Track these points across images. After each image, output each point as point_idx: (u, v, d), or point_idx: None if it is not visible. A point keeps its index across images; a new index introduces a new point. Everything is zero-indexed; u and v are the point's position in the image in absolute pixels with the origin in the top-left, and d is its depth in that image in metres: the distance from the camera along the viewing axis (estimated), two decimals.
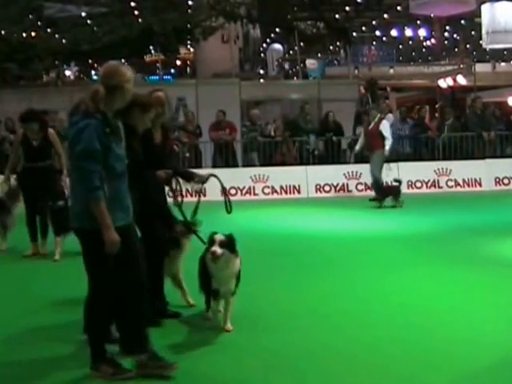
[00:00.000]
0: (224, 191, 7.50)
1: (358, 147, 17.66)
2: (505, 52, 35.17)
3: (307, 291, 8.08)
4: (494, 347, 5.84)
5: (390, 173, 17.42)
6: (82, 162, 5.02)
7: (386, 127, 16.81)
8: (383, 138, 16.60)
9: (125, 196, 5.32)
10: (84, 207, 5.08)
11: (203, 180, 7.30)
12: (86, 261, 5.29)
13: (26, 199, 10.96)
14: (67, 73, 34.83)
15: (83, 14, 25.91)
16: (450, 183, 19.33)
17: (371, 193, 17.75)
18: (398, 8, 28.85)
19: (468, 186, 19.22)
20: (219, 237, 6.46)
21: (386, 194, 16.44)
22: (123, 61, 34.77)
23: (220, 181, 7.50)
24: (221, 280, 6.40)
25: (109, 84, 5.17)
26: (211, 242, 6.43)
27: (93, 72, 37.19)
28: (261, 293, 8.03)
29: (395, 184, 16.62)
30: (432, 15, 27.01)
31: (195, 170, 8.00)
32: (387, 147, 16.60)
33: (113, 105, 5.22)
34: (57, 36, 27.31)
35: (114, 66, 5.31)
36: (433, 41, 35.22)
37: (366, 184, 18.79)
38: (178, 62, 34.98)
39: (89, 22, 26.53)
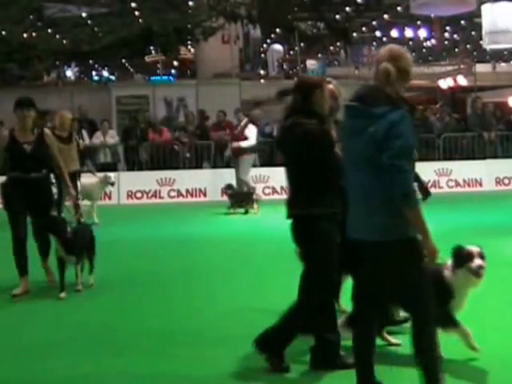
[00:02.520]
0: None
1: (227, 153, 17.42)
2: (505, 52, 35.15)
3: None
4: (495, 347, 5.84)
5: None
6: (399, 161, 4.23)
7: (252, 131, 16.46)
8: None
9: None
10: (391, 215, 4.33)
11: None
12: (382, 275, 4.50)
13: (14, 220, 8.32)
14: (68, 73, 34.88)
15: (83, 15, 25.93)
16: (451, 183, 19.34)
17: None
18: (398, 8, 28.81)
19: (468, 186, 19.25)
20: (476, 248, 5.53)
21: (239, 200, 15.98)
22: (123, 61, 35.04)
23: None
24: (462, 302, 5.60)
25: (400, 66, 4.50)
26: (468, 255, 5.48)
27: (93, 72, 37.30)
28: (265, 296, 8.03)
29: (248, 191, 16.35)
30: (432, 15, 27.00)
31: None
32: (244, 144, 16.39)
33: (398, 90, 4.51)
34: (57, 36, 27.36)
35: (399, 48, 4.66)
36: (433, 41, 35.18)
37: None
38: (179, 63, 34.96)
39: (89, 22, 26.56)
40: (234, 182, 16.69)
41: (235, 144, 16.63)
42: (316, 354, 5.49)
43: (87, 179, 14.79)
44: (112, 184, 15.49)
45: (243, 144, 16.37)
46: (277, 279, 8.66)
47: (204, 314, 7.30)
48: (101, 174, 15.42)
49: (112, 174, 15.39)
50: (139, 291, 8.43)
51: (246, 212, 15.73)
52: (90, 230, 8.75)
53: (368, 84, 4.73)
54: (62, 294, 7.98)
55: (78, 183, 13.55)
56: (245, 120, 16.71)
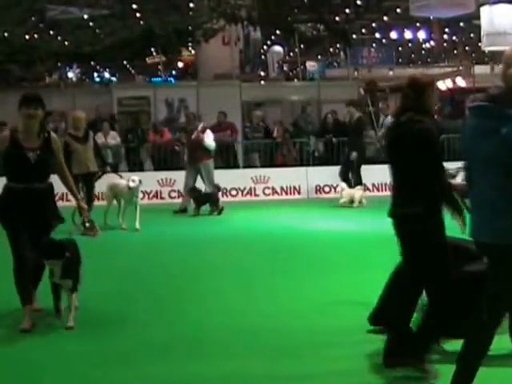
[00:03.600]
0: None
1: (185, 158, 16.88)
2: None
3: (309, 291, 8.22)
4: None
5: None
6: None
7: (210, 137, 16.05)
8: (206, 149, 15.88)
9: None
10: None
11: None
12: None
13: (15, 236, 7.01)
14: (69, 74, 34.94)
15: (85, 16, 26.01)
16: None
17: (371, 193, 17.95)
18: (398, 10, 28.95)
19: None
20: None
21: (202, 202, 15.78)
22: (125, 63, 35.13)
23: None
24: None
25: None
26: None
27: (95, 74, 37.37)
28: (263, 293, 8.16)
29: (210, 192, 16.10)
30: (431, 17, 27.12)
31: None
32: (207, 141, 15.92)
33: None
34: (59, 38, 27.43)
35: None
36: (432, 43, 35.32)
37: (365, 185, 18.98)
38: (180, 64, 35.07)
39: (91, 24, 26.65)
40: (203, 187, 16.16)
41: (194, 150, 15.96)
42: (393, 350, 5.49)
43: (118, 180, 14.16)
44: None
45: (209, 146, 15.93)
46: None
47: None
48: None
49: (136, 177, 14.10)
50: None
51: (212, 213, 15.65)
52: (77, 246, 7.56)
53: (499, 85, 4.67)
54: (70, 323, 6.89)
55: (95, 185, 13.54)
56: (201, 125, 16.34)
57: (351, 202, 16.68)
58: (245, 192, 18.84)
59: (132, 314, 7.43)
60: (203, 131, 16.06)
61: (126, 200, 13.73)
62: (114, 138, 20.13)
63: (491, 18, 22.73)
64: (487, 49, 25.33)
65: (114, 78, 37.53)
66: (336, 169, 19.48)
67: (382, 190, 19.12)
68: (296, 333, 6.53)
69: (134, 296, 8.19)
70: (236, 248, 11.52)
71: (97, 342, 6.48)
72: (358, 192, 16.81)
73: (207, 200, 15.79)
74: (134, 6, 25.99)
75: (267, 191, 18.98)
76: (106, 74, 38.12)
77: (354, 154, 17.33)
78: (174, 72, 36.13)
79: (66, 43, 27.02)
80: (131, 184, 13.40)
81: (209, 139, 15.96)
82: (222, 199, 17.54)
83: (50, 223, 7.23)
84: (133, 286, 8.69)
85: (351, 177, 17.63)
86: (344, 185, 17.05)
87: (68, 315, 6.90)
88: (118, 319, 7.25)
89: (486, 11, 22.97)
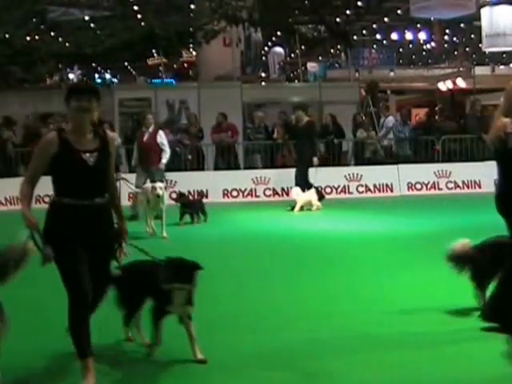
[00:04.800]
0: None
1: (133, 162, 15.90)
2: (504, 55, 35.30)
3: (307, 292, 8.22)
4: (491, 348, 5.98)
5: None
6: None
7: (163, 138, 15.09)
8: (162, 151, 14.95)
9: None
10: None
11: None
12: None
13: (73, 270, 5.22)
14: (70, 76, 34.99)
15: (86, 18, 26.10)
16: (450, 185, 19.49)
17: (372, 194, 18.00)
18: (399, 11, 29.01)
19: (468, 187, 19.37)
20: None
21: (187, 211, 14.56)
22: (126, 64, 35.20)
23: None
24: None
25: None
26: None
27: (96, 75, 37.41)
28: (260, 294, 8.17)
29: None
30: (432, 18, 27.17)
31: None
32: (164, 160, 14.91)
33: None
34: (60, 39, 27.52)
35: None
36: (433, 44, 35.36)
37: (366, 185, 19.03)
38: (181, 65, 35.14)
39: (92, 25, 26.73)
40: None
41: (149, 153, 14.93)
42: None
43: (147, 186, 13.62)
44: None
45: (165, 155, 14.93)
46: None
47: None
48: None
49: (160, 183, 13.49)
50: None
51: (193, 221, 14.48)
52: None
53: None
54: (200, 356, 5.79)
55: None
56: (152, 127, 15.25)
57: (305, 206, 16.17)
58: (245, 193, 18.85)
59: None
60: (156, 132, 15.07)
61: (151, 207, 13.12)
62: (114, 140, 20.11)
63: (492, 19, 22.81)
64: (488, 50, 25.43)
65: (115, 80, 37.60)
66: (338, 170, 19.56)
67: (383, 191, 19.18)
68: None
69: None
70: (236, 249, 11.54)
71: None
72: (313, 195, 16.36)
73: (192, 208, 14.63)
74: (135, 8, 26.05)
75: (268, 192, 19.00)
76: (107, 76, 38.18)
77: (316, 160, 16.97)
78: (174, 73, 36.15)
79: (67, 44, 27.11)
80: (159, 191, 12.79)
81: (163, 141, 15.00)
82: (223, 200, 17.63)
83: (112, 247, 5.59)
84: None
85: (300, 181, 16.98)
86: (298, 190, 16.39)
87: (193, 346, 5.76)
88: None
89: (486, 12, 23.05)
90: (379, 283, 8.50)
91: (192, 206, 14.67)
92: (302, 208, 16.22)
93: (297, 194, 16.27)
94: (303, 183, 16.66)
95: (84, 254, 5.26)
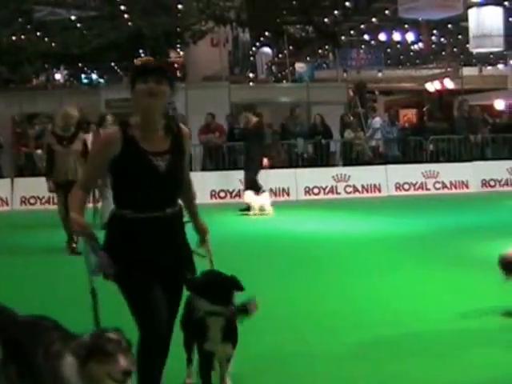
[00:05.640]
0: None
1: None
2: (491, 56, 35.44)
3: (299, 293, 8.16)
4: (480, 346, 5.98)
5: None
6: None
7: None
8: None
9: None
10: None
11: None
12: None
13: (147, 301, 4.16)
14: (57, 76, 34.87)
15: (73, 18, 25.95)
16: (438, 185, 19.51)
17: (360, 195, 17.99)
18: (386, 12, 29.05)
19: (455, 188, 19.39)
20: None
21: None
22: (113, 64, 35.09)
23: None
24: None
25: None
26: None
27: (83, 75, 37.28)
28: (248, 295, 8.12)
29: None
30: (420, 19, 27.22)
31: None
32: None
33: None
34: (46, 39, 27.40)
35: None
36: (420, 44, 35.43)
37: (354, 186, 19.02)
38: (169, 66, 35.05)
39: (78, 25, 26.59)
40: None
41: None
42: None
43: None
44: None
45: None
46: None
47: None
48: None
49: None
50: None
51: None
52: None
53: None
54: None
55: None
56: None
57: (260, 209, 15.58)
58: (233, 194, 18.76)
59: None
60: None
61: None
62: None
63: (479, 19, 22.91)
64: (475, 50, 25.51)
65: (101, 80, 37.49)
66: (326, 170, 19.53)
67: (371, 192, 19.16)
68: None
69: None
70: (224, 251, 11.46)
71: None
72: (266, 200, 15.73)
73: None
74: (122, 8, 25.94)
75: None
76: (94, 76, 38.07)
77: (266, 161, 16.66)
78: None
79: (54, 44, 27.01)
80: None
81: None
82: (210, 201, 17.55)
83: (188, 264, 4.45)
84: None
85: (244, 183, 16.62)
86: (251, 193, 15.79)
87: None
88: None
89: (473, 13, 23.14)
90: (369, 283, 8.46)
91: None
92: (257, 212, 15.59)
93: (250, 197, 15.69)
94: (254, 186, 16.11)
95: (157, 276, 4.20)
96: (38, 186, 15.51)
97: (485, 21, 22.84)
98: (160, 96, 4.16)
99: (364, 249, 11.10)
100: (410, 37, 32.82)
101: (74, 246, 10.56)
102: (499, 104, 30.90)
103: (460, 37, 32.17)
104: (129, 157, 4.16)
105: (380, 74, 34.41)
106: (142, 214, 4.17)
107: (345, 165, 20.46)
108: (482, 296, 7.64)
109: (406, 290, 8.19)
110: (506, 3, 25.15)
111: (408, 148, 21.23)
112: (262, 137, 16.90)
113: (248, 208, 15.72)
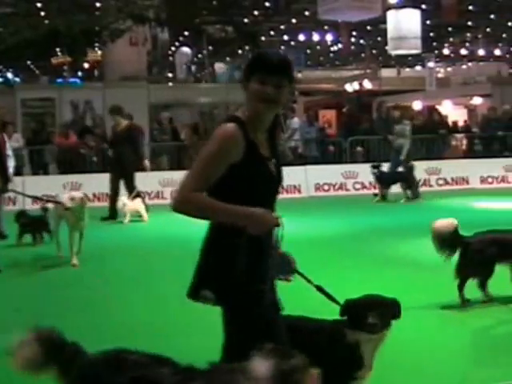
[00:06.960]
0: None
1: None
2: (409, 58, 36.03)
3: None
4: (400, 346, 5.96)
5: None
6: None
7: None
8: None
9: None
10: None
11: None
12: None
13: (271, 334, 3.57)
14: None
15: None
16: (357, 186, 19.66)
17: (280, 195, 17.92)
18: (306, 13, 29.18)
19: (375, 188, 19.56)
20: None
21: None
22: (29, 63, 34.34)
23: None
24: None
25: None
26: None
27: None
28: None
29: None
30: (339, 20, 27.42)
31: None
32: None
33: None
34: None
35: None
36: (340, 46, 35.78)
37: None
38: (86, 65, 34.46)
39: None
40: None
41: None
42: None
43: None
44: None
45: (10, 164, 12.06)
46: None
47: None
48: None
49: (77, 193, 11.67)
50: None
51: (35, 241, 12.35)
52: None
53: None
54: None
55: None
56: None
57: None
58: (152, 195, 18.52)
59: None
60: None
61: (70, 225, 10.41)
62: (17, 141, 19.50)
63: (397, 22, 23.24)
64: (393, 52, 25.82)
65: (17, 79, 36.63)
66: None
67: (291, 192, 19.14)
68: None
69: None
70: (154, 255, 11.29)
71: None
72: (140, 205, 15.08)
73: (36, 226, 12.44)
74: (39, 5, 25.42)
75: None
76: (9, 75, 37.18)
77: (147, 162, 16.17)
78: (79, 73, 35.48)
79: None
80: (68, 203, 9.99)
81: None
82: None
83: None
84: None
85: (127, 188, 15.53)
86: (125, 199, 14.93)
87: None
88: None
89: (391, 15, 23.45)
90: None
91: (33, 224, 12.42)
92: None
93: (124, 203, 14.85)
94: (130, 190, 15.29)
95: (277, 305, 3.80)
96: None
97: (402, 23, 23.16)
98: (279, 102, 3.52)
99: (287, 249, 11.00)
100: (330, 38, 33.13)
101: None
102: (417, 105, 31.46)
103: (379, 38, 32.59)
104: (250, 164, 3.47)
105: (300, 75, 34.54)
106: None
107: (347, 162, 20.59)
108: (406, 293, 7.63)
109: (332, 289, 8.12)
110: (423, 6, 25.58)
111: (327, 148, 21.37)
112: (134, 139, 15.71)
113: (113, 215, 15.08)
